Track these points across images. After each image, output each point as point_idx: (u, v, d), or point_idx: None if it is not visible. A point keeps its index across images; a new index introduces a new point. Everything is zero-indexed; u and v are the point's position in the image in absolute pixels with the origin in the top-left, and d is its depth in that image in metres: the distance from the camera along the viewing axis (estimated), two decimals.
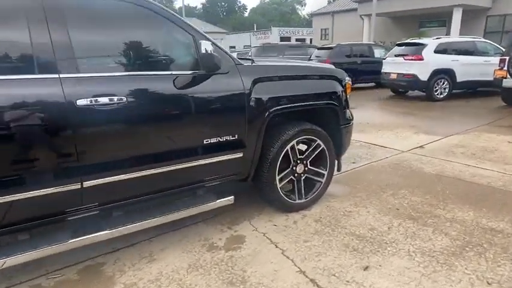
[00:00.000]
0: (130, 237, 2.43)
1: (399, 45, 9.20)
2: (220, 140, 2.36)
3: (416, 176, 3.66)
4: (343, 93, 2.99)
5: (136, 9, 2.04)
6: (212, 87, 2.28)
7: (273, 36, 39.86)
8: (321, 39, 28.09)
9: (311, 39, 30.65)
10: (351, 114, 3.19)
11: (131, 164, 2.04)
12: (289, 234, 2.55)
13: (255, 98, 2.44)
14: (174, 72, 2.16)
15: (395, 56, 8.97)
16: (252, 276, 2.09)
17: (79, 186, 1.88)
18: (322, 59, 11.15)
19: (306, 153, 2.86)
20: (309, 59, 11.80)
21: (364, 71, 11.09)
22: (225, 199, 2.44)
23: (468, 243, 2.38)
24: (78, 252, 2.27)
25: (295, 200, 2.85)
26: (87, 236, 1.91)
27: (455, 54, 8.45)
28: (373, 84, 11.81)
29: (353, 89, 11.45)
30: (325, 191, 3.07)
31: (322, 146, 2.89)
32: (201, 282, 2.05)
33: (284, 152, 2.68)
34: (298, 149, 2.82)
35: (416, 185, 3.39)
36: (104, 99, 1.88)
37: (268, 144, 2.63)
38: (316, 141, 2.85)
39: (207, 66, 2.16)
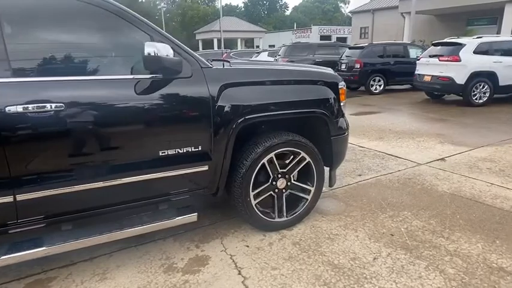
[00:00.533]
0: (93, 250, 2.31)
1: (435, 45, 8.43)
2: (180, 151, 2.14)
3: (426, 194, 3.21)
4: (336, 101, 2.66)
5: (79, 6, 1.88)
6: (170, 93, 2.07)
7: (313, 34, 39.14)
8: (360, 38, 27.01)
9: (348, 39, 29.60)
10: (347, 123, 2.85)
11: (71, 176, 1.89)
12: (258, 259, 2.28)
13: (222, 105, 2.20)
14: (124, 77, 1.99)
15: (430, 56, 8.23)
16: None
17: (11, 200, 1.76)
18: (352, 59, 10.59)
19: (289, 167, 2.57)
20: (340, 60, 11.27)
21: (398, 73, 10.36)
22: (186, 216, 2.23)
23: (466, 285, 1.97)
24: (36, 263, 2.18)
25: (274, 218, 2.58)
26: (17, 254, 1.79)
27: (499, 55, 7.56)
28: (407, 86, 11.02)
29: (385, 91, 10.86)
30: (313, 209, 2.76)
31: (308, 159, 2.59)
32: None
33: (260, 165, 2.41)
34: (280, 163, 2.54)
35: (423, 206, 2.96)
36: (39, 106, 1.74)
37: (241, 156, 2.38)
38: (299, 154, 2.55)
39: (154, 70, 1.96)
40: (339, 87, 2.70)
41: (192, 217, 2.25)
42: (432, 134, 5.47)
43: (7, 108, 1.67)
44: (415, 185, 3.43)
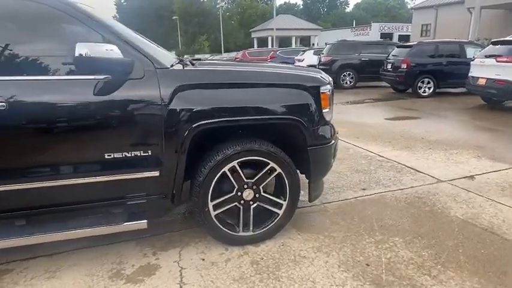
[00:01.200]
0: (58, 245, 2.32)
1: (494, 43, 7.38)
2: (128, 155, 2.04)
3: (432, 218, 2.76)
4: (315, 107, 2.37)
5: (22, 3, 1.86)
6: (117, 95, 1.97)
7: (373, 32, 37.31)
8: (421, 35, 25.03)
9: (411, 37, 27.61)
10: (332, 132, 2.54)
11: (14, 174, 1.89)
12: (207, 275, 2.11)
13: (175, 109, 2.05)
14: (70, 78, 1.93)
15: (486, 57, 7.23)
16: None
17: None
18: (398, 58, 9.77)
19: (256, 178, 2.35)
20: (386, 59, 10.48)
21: (451, 74, 9.33)
22: (134, 223, 2.12)
23: None
24: (3, 254, 2.25)
25: (238, 232, 2.38)
26: None
27: None
28: (462, 90, 9.89)
29: (436, 95, 9.84)
30: (286, 224, 2.51)
31: (278, 170, 2.34)
32: None
33: (220, 174, 2.23)
34: (250, 172, 2.33)
35: (421, 233, 2.54)
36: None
37: (198, 164, 2.22)
38: (268, 164, 2.31)
39: (91, 71, 1.87)
40: (321, 91, 2.40)
41: (142, 224, 2.14)
42: (471, 145, 4.77)
43: None
44: (423, 206, 2.97)
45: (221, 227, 2.33)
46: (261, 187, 2.38)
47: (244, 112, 2.18)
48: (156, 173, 2.12)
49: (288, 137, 2.44)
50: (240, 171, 2.28)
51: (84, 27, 1.96)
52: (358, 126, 6.11)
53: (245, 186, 2.34)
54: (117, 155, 2.03)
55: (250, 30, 45.69)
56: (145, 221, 2.15)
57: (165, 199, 2.24)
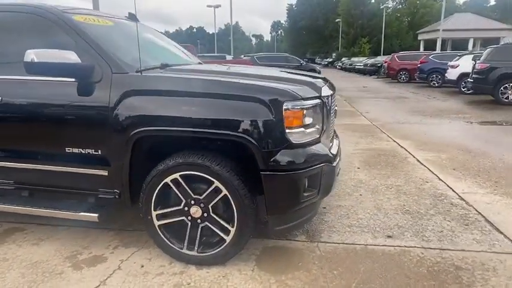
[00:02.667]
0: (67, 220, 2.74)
1: None
2: (83, 151, 2.23)
3: None
4: (275, 124, 1.98)
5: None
6: (75, 96, 2.18)
7: None
8: None
9: None
10: (304, 158, 2.07)
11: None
12: (128, 283, 2.09)
13: (119, 113, 2.11)
14: (40, 78, 2.23)
15: None
16: None
17: None
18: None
19: (204, 196, 2.16)
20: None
21: None
22: (86, 214, 2.30)
23: None
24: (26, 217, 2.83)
25: (181, 249, 2.25)
26: None
27: None
28: None
29: None
30: (233, 253, 2.23)
31: (224, 191, 2.09)
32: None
33: (163, 184, 2.16)
34: (198, 188, 2.17)
35: None
36: None
37: (143, 171, 2.21)
38: (213, 182, 2.09)
39: (50, 74, 2.12)
40: (285, 107, 1.99)
41: (93, 217, 2.30)
42: None
43: None
44: (450, 283, 2.07)
45: (164, 238, 2.26)
46: (209, 206, 2.17)
47: (189, 123, 2.03)
48: (105, 172, 2.23)
49: (243, 157, 2.13)
50: (184, 185, 2.15)
51: (64, 35, 2.24)
52: (476, 156, 4.69)
53: (192, 202, 2.18)
54: (75, 150, 2.24)
55: (417, 32, 41.06)
56: (97, 214, 2.30)
57: (119, 199, 2.33)
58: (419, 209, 3.07)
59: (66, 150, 2.26)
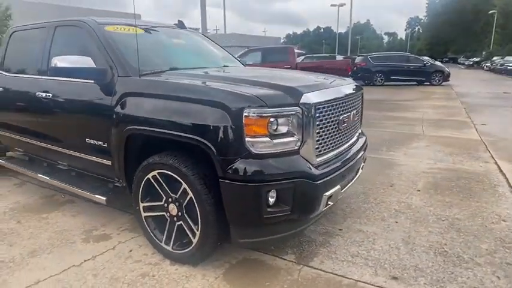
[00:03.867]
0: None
1: None
2: (94, 143, 2.59)
3: None
4: (234, 132, 1.89)
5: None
6: (89, 95, 2.56)
7: None
8: None
9: None
10: (263, 169, 1.91)
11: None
12: (107, 262, 2.34)
13: (118, 112, 2.36)
14: (79, 80, 2.65)
15: None
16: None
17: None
18: None
19: (177, 195, 2.22)
20: None
21: None
22: (98, 196, 2.65)
23: None
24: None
25: (161, 242, 2.37)
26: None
27: None
28: None
29: None
30: (198, 257, 2.24)
31: (190, 194, 2.11)
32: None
33: (146, 179, 2.32)
34: (172, 186, 2.26)
35: None
36: (42, 94, 2.87)
37: (135, 165, 2.41)
38: (181, 184, 2.14)
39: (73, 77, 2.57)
40: (245, 114, 1.87)
41: (102, 199, 2.64)
42: None
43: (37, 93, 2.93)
44: None
45: (148, 229, 2.42)
46: (183, 206, 2.23)
47: (163, 125, 2.14)
48: (109, 162, 2.54)
49: (209, 163, 2.09)
50: (162, 182, 2.26)
51: (93, 43, 2.64)
52: None
53: (170, 200, 2.28)
54: (91, 142, 2.62)
55: None
56: (105, 198, 2.64)
57: (123, 187, 2.61)
58: (462, 253, 2.42)
59: (87, 141, 2.65)
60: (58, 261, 2.36)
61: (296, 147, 2.00)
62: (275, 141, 1.93)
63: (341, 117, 2.30)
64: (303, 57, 21.62)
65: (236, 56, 4.00)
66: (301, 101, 1.99)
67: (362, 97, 2.83)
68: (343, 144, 2.41)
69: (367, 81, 16.10)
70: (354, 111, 2.54)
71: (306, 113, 1.99)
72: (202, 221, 2.09)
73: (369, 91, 14.21)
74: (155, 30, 3.17)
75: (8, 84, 3.37)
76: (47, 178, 3.10)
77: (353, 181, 2.59)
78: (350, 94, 2.48)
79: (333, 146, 2.27)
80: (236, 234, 2.08)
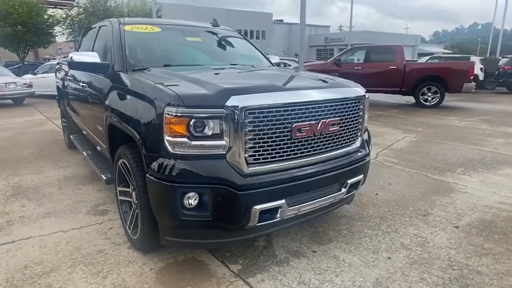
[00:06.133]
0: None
1: None
2: (100, 129, 2.95)
3: None
4: (156, 129, 1.91)
5: None
6: (97, 85, 2.94)
7: None
8: None
9: None
10: (179, 170, 1.87)
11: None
12: (85, 235, 2.65)
13: (105, 102, 2.65)
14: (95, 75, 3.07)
15: None
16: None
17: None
18: None
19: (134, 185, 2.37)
20: None
21: None
22: (101, 175, 3.01)
23: None
24: None
25: (126, 225, 2.56)
26: None
27: None
28: None
29: None
30: (146, 247, 2.32)
31: (134, 184, 2.23)
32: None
33: (117, 166, 2.54)
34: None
35: None
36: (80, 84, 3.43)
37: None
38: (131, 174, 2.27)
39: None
40: (165, 112, 1.85)
41: (103, 178, 3.00)
42: None
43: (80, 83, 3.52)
44: None
45: (121, 211, 2.64)
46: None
47: (119, 116, 2.36)
48: (105, 146, 2.86)
49: None
50: (125, 170, 2.43)
51: (111, 40, 3.01)
52: None
53: (132, 188, 2.44)
54: (99, 128, 2.99)
55: None
56: (105, 178, 2.98)
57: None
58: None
59: (97, 128, 3.05)
60: (54, 225, 2.81)
61: (222, 152, 1.88)
62: (195, 142, 1.86)
63: (294, 124, 2.02)
64: (427, 57, 19.10)
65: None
66: (227, 103, 1.84)
67: (358, 106, 2.40)
68: (301, 157, 2.10)
69: None
70: (328, 120, 2.17)
71: (233, 117, 1.84)
72: (142, 211, 2.18)
73: (506, 100, 11.53)
74: (176, 29, 3.38)
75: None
76: (87, 156, 3.68)
77: (327, 203, 2.27)
78: (323, 100, 2.14)
79: (278, 157, 2.01)
80: (163, 231, 2.10)
